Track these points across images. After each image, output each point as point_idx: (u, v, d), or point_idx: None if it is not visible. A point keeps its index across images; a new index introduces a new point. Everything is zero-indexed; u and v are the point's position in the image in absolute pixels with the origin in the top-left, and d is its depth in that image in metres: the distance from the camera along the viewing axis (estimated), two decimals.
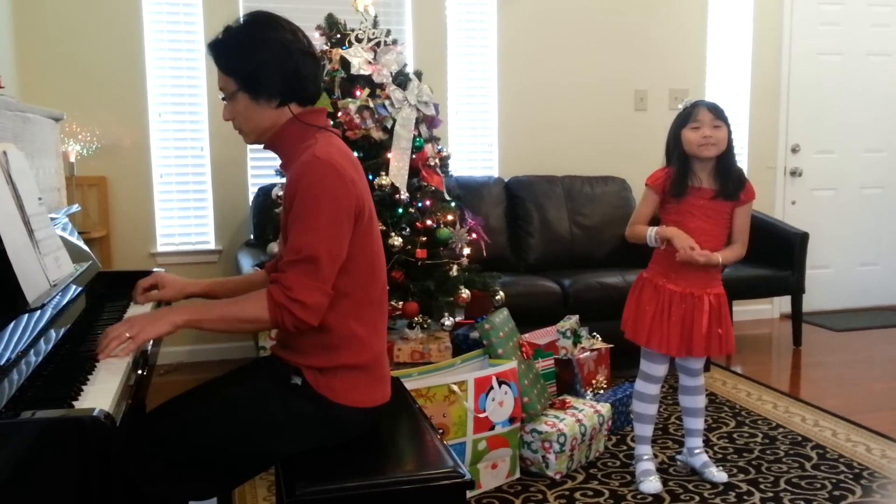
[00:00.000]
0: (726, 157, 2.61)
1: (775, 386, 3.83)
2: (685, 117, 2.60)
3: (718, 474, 2.74)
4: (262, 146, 1.88)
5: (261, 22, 1.78)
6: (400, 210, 3.06)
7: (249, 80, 1.74)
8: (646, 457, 2.77)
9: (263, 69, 1.73)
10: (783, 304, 5.13)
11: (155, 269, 2.54)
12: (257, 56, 1.73)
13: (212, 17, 4.03)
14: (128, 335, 1.64)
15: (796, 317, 4.55)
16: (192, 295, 2.06)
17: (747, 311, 5.17)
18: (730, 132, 2.61)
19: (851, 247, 5.41)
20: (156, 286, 2.04)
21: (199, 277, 4.06)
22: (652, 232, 2.61)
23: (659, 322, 2.62)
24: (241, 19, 1.79)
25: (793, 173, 5.25)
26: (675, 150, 2.62)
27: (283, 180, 2.56)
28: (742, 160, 5.14)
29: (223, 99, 1.80)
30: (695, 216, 2.59)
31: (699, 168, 2.60)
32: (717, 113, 2.58)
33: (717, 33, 5.01)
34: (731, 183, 2.59)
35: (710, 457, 2.84)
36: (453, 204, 3.22)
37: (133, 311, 2.10)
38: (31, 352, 1.58)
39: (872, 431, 3.20)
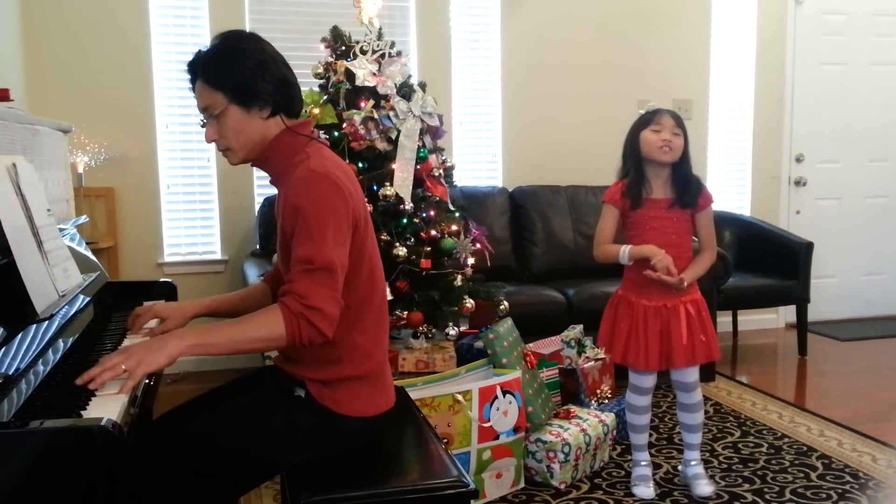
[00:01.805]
0: (682, 166, 2.60)
1: (780, 396, 3.82)
2: (646, 121, 2.59)
3: (701, 488, 2.68)
4: (250, 164, 1.85)
5: (238, 37, 1.81)
6: (404, 220, 3.07)
7: (240, 90, 1.73)
8: (643, 462, 2.79)
9: (253, 77, 1.73)
10: (788, 313, 5.12)
11: (162, 279, 2.57)
12: (245, 65, 1.73)
13: (219, 29, 4.02)
14: (124, 367, 1.54)
15: (801, 326, 4.54)
16: (197, 315, 2.00)
17: (752, 320, 5.17)
18: (686, 143, 2.59)
19: (856, 256, 5.41)
20: (157, 319, 1.98)
21: (206, 287, 4.13)
22: (625, 250, 2.59)
23: (635, 339, 2.62)
24: (218, 38, 1.79)
25: (797, 183, 5.25)
26: (632, 154, 2.62)
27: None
28: (746, 170, 5.17)
29: (209, 118, 1.76)
30: (654, 228, 2.59)
31: (653, 176, 2.60)
32: (678, 121, 2.58)
33: (720, 44, 5.03)
34: (689, 192, 2.59)
35: (715, 466, 2.84)
36: (457, 214, 3.23)
37: (130, 341, 1.94)
38: (40, 362, 1.59)
39: (878, 441, 3.20)
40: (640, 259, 2.57)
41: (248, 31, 1.83)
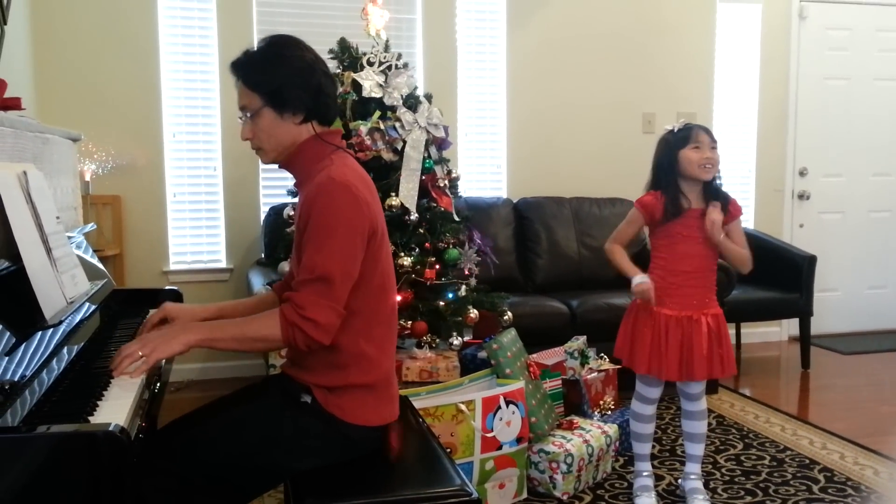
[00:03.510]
0: (713, 179, 2.64)
1: (783, 409, 3.82)
2: (684, 139, 2.61)
3: (697, 503, 2.69)
4: (276, 166, 1.91)
5: (285, 42, 1.85)
6: (409, 230, 3.09)
7: (276, 94, 1.79)
8: (645, 473, 2.79)
9: (290, 84, 1.78)
10: (791, 326, 5.13)
11: (168, 287, 2.59)
12: (283, 71, 1.79)
13: (227, 40, 4.10)
14: (141, 354, 1.68)
15: (804, 339, 4.54)
16: (205, 319, 2.03)
17: (755, 333, 5.17)
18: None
19: (859, 270, 5.41)
20: (165, 320, 2.01)
21: (211, 295, 4.14)
22: (636, 279, 2.62)
23: (657, 349, 2.61)
24: (265, 41, 1.86)
25: (800, 196, 5.26)
26: (671, 171, 2.62)
27: (295, 200, 2.58)
28: (750, 183, 5.19)
29: (249, 117, 1.82)
30: (686, 238, 2.60)
31: (688, 190, 2.62)
32: (712, 137, 2.62)
33: (724, 57, 5.05)
34: (716, 200, 2.61)
35: (718, 478, 2.84)
36: (462, 225, 3.25)
37: None
38: (47, 368, 1.61)
39: (880, 455, 3.20)
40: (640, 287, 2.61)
41: (295, 37, 1.87)
